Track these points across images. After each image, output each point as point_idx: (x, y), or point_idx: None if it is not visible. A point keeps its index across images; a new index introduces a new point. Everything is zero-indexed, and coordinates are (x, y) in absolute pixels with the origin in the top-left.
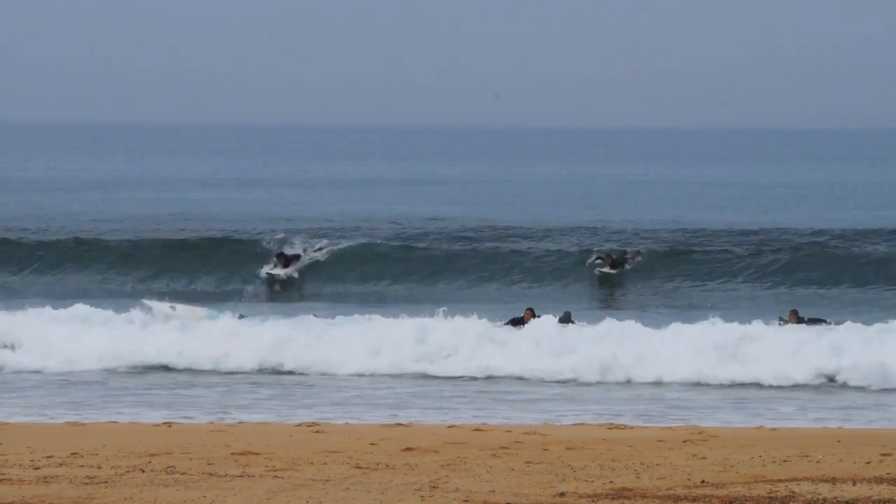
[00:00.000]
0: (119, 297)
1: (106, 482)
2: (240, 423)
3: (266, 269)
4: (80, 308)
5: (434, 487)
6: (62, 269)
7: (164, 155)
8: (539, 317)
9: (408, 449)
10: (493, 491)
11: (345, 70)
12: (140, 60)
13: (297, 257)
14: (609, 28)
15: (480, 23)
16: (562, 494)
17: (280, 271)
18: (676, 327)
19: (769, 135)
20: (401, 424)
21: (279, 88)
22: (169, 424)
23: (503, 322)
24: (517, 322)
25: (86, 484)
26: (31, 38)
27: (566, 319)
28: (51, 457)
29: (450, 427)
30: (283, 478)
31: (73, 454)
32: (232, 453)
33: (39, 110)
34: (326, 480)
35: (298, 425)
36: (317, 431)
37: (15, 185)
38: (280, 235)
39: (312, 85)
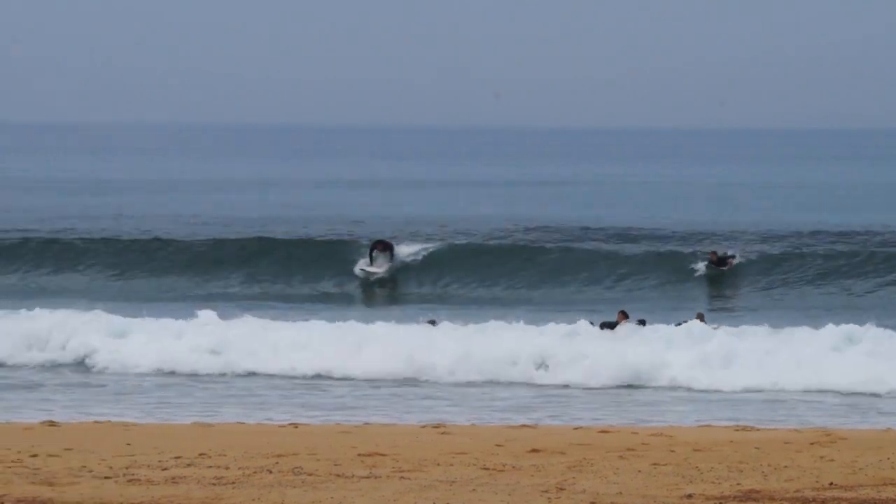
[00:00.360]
0: (238, 300)
1: (233, 483)
2: (366, 424)
3: (361, 266)
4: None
5: (561, 489)
6: (146, 269)
7: (223, 156)
8: (630, 319)
9: (534, 450)
10: (621, 493)
11: (345, 69)
12: (141, 60)
13: (389, 248)
14: (610, 27)
15: (481, 22)
16: (689, 496)
17: (376, 269)
18: (803, 331)
19: (777, 134)
20: (526, 426)
21: (279, 88)
22: (295, 425)
23: (595, 324)
24: (609, 325)
25: (213, 485)
26: (32, 39)
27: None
28: (179, 458)
29: (576, 429)
30: (409, 479)
31: (200, 455)
32: (359, 454)
33: (41, 112)
34: (453, 482)
35: (424, 426)
36: (443, 433)
37: (90, 188)
38: (377, 237)
39: (311, 85)
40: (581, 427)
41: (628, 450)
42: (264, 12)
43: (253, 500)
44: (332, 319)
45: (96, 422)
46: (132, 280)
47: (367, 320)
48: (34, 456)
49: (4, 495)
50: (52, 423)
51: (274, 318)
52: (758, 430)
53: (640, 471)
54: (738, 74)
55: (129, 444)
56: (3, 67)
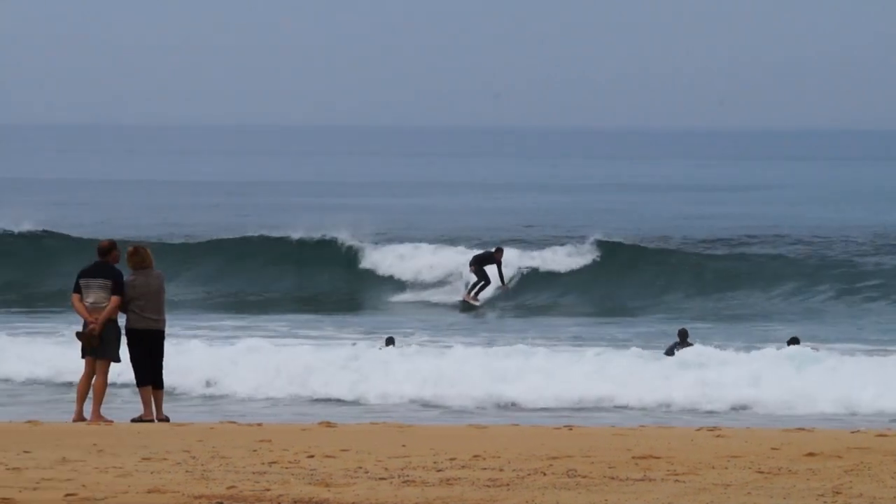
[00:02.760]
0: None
1: (507, 485)
2: (641, 426)
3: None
4: None
5: (837, 493)
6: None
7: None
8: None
9: (810, 454)
10: None
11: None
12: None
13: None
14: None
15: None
16: None
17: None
18: None
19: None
20: (802, 429)
21: (279, 87)
22: (570, 427)
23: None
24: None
25: (487, 486)
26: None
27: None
28: (453, 459)
29: (853, 432)
30: (684, 482)
31: (475, 457)
32: (633, 457)
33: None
34: (728, 485)
35: (699, 429)
36: (718, 436)
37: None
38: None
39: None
40: (859, 430)
41: None
42: (284, 14)
43: (527, 502)
44: None
45: (373, 423)
46: None
47: None
48: (311, 457)
49: (282, 495)
50: (328, 425)
51: None
52: None
53: None
54: (738, 75)
55: (404, 446)
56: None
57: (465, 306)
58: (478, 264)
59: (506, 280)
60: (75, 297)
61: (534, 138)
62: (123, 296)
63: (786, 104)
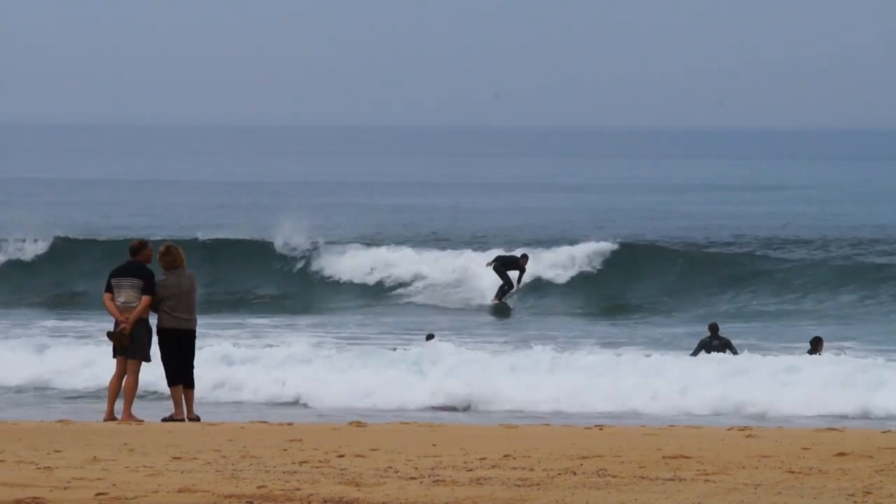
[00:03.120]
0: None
1: (538, 484)
2: (671, 426)
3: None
4: None
5: (868, 493)
6: None
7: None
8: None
9: (841, 454)
10: None
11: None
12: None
13: (514, 262)
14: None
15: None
16: None
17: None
18: None
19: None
20: (834, 429)
21: (279, 88)
22: (601, 427)
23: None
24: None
25: (518, 486)
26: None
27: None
28: (484, 458)
29: (884, 432)
30: (714, 482)
31: (505, 456)
32: (663, 457)
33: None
34: (758, 485)
35: (730, 429)
36: (748, 436)
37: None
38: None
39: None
40: (890, 430)
41: None
42: (282, 9)
43: (557, 501)
44: None
45: (402, 422)
46: None
47: None
48: (341, 456)
49: (312, 495)
50: (359, 424)
51: None
52: None
53: None
54: (737, 75)
55: (434, 445)
56: None
57: (498, 308)
58: (502, 266)
59: (520, 284)
60: (107, 296)
61: (533, 138)
62: (154, 295)
63: (786, 104)
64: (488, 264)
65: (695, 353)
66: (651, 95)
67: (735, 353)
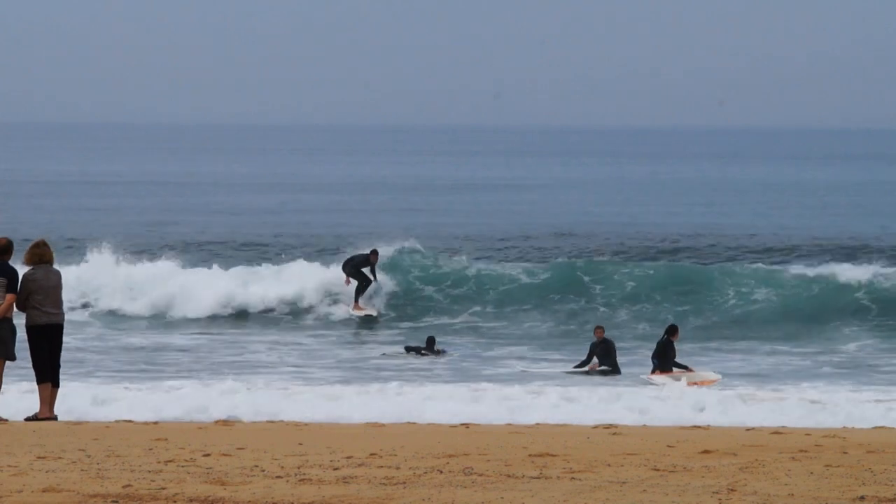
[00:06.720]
0: None
1: (404, 483)
2: (537, 424)
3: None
4: None
5: (732, 490)
6: None
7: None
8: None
9: (705, 451)
10: (792, 494)
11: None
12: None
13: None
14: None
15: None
16: (861, 498)
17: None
18: None
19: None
20: (698, 427)
21: (277, 87)
22: (466, 426)
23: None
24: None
25: (384, 484)
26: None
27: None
28: (350, 457)
29: (748, 430)
30: (580, 480)
31: (371, 455)
32: (529, 455)
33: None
34: (623, 482)
35: (596, 427)
36: (614, 433)
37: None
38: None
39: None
40: (753, 428)
41: (801, 451)
42: (264, 11)
43: (423, 500)
44: None
45: (269, 421)
46: None
47: None
48: (207, 455)
49: (178, 494)
50: (225, 423)
51: None
52: None
53: (812, 472)
54: (737, 75)
55: (301, 444)
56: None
57: (365, 320)
58: (353, 268)
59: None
60: None
61: (534, 138)
62: (19, 293)
63: (786, 104)
64: (346, 276)
65: (587, 359)
66: (651, 95)
67: (613, 362)
